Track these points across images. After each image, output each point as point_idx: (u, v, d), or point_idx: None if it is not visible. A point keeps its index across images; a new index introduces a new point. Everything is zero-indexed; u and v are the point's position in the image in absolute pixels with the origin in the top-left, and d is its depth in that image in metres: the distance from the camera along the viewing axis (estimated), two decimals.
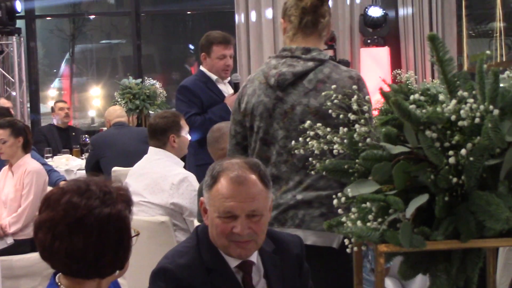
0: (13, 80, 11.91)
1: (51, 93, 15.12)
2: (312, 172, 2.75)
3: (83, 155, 9.81)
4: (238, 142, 4.05)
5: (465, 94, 1.84)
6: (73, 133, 10.92)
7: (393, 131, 1.91)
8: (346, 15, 12.12)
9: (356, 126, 2.12)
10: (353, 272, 2.66)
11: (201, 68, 6.52)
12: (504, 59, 12.81)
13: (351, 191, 1.91)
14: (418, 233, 1.80)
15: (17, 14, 11.85)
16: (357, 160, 1.97)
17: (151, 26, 14.44)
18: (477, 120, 1.80)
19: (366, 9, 11.77)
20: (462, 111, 1.80)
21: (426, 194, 1.82)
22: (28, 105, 12.67)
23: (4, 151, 6.69)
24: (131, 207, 2.68)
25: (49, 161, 9.02)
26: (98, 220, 2.55)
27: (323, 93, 3.26)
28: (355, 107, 2.59)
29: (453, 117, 1.82)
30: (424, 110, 1.85)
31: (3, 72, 11.92)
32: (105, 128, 9.84)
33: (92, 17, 15.38)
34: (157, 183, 5.57)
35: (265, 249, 3.15)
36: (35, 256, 5.51)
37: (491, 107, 1.81)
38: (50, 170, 7.16)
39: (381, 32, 11.77)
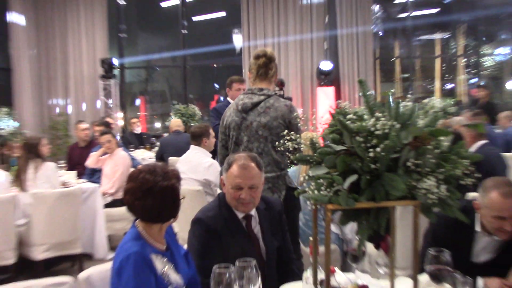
0: (111, 105, 11.89)
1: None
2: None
3: (152, 150, 9.79)
4: (223, 145, 4.16)
5: (379, 115, 1.81)
6: (145, 137, 10.91)
7: (336, 137, 1.87)
8: (308, 67, 12.04)
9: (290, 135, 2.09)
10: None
11: (227, 98, 6.53)
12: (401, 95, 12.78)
13: (311, 172, 1.88)
14: (350, 198, 1.76)
15: (114, 67, 11.76)
16: (315, 154, 1.93)
17: (192, 73, 14.37)
18: (386, 130, 1.78)
19: (320, 63, 11.74)
20: (377, 125, 1.78)
21: (355, 174, 1.78)
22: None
23: (110, 146, 6.74)
24: (180, 181, 2.68)
25: (132, 153, 9.01)
26: (160, 189, 2.55)
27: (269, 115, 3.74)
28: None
29: (372, 129, 1.78)
30: (355, 124, 1.82)
31: (106, 100, 11.85)
32: (166, 134, 9.71)
33: (157, 68, 15.25)
34: (195, 166, 5.56)
35: (260, 207, 3.15)
36: (123, 209, 5.53)
37: (394, 122, 1.79)
38: (132, 159, 7.12)
39: (330, 77, 11.68)
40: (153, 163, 2.76)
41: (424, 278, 2.43)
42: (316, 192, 1.81)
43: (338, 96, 11.84)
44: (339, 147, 1.83)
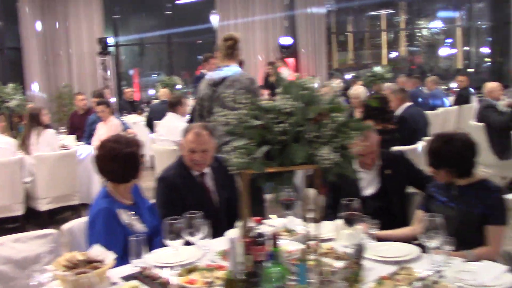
0: (108, 77, 11.73)
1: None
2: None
3: (142, 115, 9.69)
4: (199, 114, 4.10)
5: (287, 96, 1.81)
6: (136, 104, 10.81)
7: (254, 114, 1.88)
8: (272, 42, 11.93)
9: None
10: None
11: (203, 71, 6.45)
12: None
13: (235, 143, 1.89)
14: (263, 163, 1.78)
15: (108, 45, 11.58)
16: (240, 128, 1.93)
17: (180, 49, 14.18)
18: (292, 109, 1.79)
19: (281, 38, 11.67)
20: (284, 105, 1.79)
21: (268, 145, 1.80)
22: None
23: (103, 115, 6.62)
24: (141, 147, 2.68)
25: (125, 118, 8.95)
26: (123, 155, 2.56)
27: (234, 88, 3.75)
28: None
29: (280, 107, 1.80)
30: (267, 104, 1.83)
31: (104, 73, 11.68)
32: (157, 101, 9.55)
33: (147, 45, 14.99)
34: (172, 129, 5.53)
35: (213, 166, 3.14)
36: None
37: (299, 103, 1.80)
38: (123, 123, 7.07)
39: (290, 50, 11.63)
40: (118, 134, 2.76)
41: (339, 222, 2.51)
42: (238, 159, 1.82)
43: (297, 65, 11.78)
44: (256, 122, 1.84)
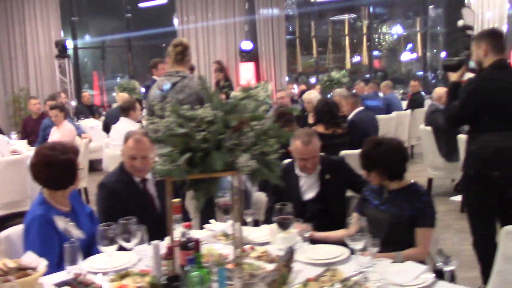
0: (66, 80, 11.56)
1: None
2: None
3: (99, 119, 9.60)
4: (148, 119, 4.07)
5: (207, 105, 1.86)
6: (94, 107, 10.74)
7: (179, 122, 1.92)
8: (232, 46, 11.98)
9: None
10: None
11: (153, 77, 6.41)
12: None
13: (159, 150, 1.92)
14: (185, 171, 1.82)
15: (66, 48, 11.45)
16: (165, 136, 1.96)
17: (142, 51, 14.09)
18: (212, 118, 1.83)
19: (241, 43, 11.71)
20: (206, 113, 1.84)
21: (190, 152, 1.84)
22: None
23: (56, 119, 6.56)
24: (78, 154, 2.69)
25: (82, 122, 8.86)
26: (58, 162, 2.57)
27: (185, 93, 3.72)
28: None
29: (202, 116, 1.84)
30: (189, 113, 1.87)
31: (62, 77, 11.53)
32: (116, 104, 9.45)
33: (107, 48, 14.85)
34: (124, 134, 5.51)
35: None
36: None
37: (218, 111, 1.85)
38: (77, 128, 7.01)
39: (250, 55, 11.71)
40: (55, 141, 2.76)
41: (274, 226, 2.58)
42: (161, 166, 1.86)
43: (257, 70, 11.87)
44: (180, 130, 1.88)
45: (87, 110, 10.20)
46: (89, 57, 16.06)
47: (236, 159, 1.79)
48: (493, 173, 3.28)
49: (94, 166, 7.80)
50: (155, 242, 2.03)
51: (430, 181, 6.32)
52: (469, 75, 3.76)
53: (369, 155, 2.77)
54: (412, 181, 2.82)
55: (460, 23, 7.91)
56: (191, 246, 2.01)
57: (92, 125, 8.86)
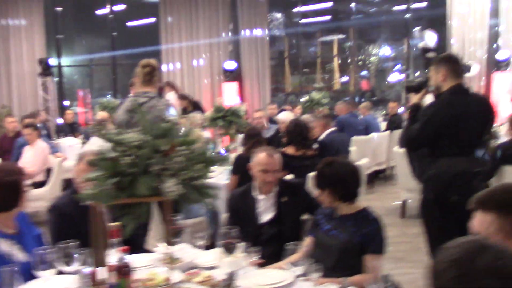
0: (49, 98, 11.55)
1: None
2: None
3: (79, 137, 9.57)
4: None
5: (136, 129, 1.85)
6: (75, 126, 10.71)
7: (110, 145, 1.91)
8: (216, 65, 12.02)
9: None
10: None
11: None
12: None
13: (89, 174, 1.91)
14: (112, 195, 1.81)
15: (50, 66, 11.48)
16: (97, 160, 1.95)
17: (130, 70, 14.08)
18: (140, 142, 1.82)
19: (224, 62, 11.77)
20: (134, 138, 1.82)
21: (119, 177, 1.82)
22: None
23: (29, 138, 6.52)
24: (24, 176, 2.66)
25: (61, 140, 8.83)
26: (3, 184, 2.53)
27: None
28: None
29: (129, 140, 1.83)
30: (118, 137, 1.86)
31: (45, 95, 11.55)
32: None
33: (93, 66, 14.87)
34: None
35: None
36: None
37: (147, 136, 1.84)
38: (52, 147, 6.97)
39: (233, 74, 11.74)
40: (3, 162, 2.73)
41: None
42: (88, 191, 1.85)
43: (241, 89, 11.91)
44: (110, 154, 1.87)
45: (69, 129, 10.17)
46: (79, 75, 16.10)
47: (162, 184, 1.78)
48: (452, 198, 3.28)
49: (70, 184, 7.73)
50: (84, 268, 1.99)
51: (404, 203, 6.31)
52: (429, 97, 3.79)
53: (322, 173, 2.76)
54: (363, 206, 2.80)
55: (421, 45, 8.00)
56: (126, 271, 1.99)
57: (71, 143, 8.80)
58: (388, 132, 8.42)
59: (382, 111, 12.26)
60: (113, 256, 2.27)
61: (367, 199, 7.18)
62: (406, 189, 6.23)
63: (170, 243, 1.99)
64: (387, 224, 6.97)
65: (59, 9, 12.79)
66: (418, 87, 3.67)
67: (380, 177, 8.83)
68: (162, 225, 1.91)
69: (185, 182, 1.82)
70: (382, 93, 18.59)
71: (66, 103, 14.67)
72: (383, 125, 9.28)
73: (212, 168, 5.50)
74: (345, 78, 18.13)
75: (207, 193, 1.91)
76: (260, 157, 3.23)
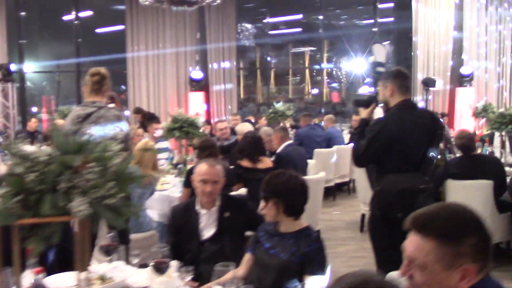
0: (9, 105, 11.28)
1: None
2: None
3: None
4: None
5: (45, 144, 1.76)
6: (37, 134, 10.45)
7: (16, 161, 1.80)
8: (182, 75, 11.92)
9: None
10: None
11: None
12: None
13: None
14: (15, 215, 1.70)
15: (11, 72, 11.20)
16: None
17: None
18: (47, 158, 1.73)
19: (191, 72, 11.69)
20: (40, 153, 1.73)
21: (23, 195, 1.72)
22: (19, 118, 12.09)
23: None
24: None
25: None
26: None
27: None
28: None
29: (35, 156, 1.73)
30: (23, 152, 1.76)
31: (4, 101, 11.26)
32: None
33: (56, 72, 14.59)
34: None
35: None
36: None
37: (55, 152, 1.75)
38: (5, 155, 6.73)
39: (200, 84, 11.66)
40: None
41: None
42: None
43: (207, 99, 11.84)
44: (16, 170, 1.76)
45: (30, 137, 9.89)
46: (48, 82, 15.77)
47: (69, 203, 1.68)
48: (397, 215, 3.24)
49: None
50: None
51: (363, 216, 6.30)
52: (379, 111, 3.77)
53: (270, 182, 2.67)
54: (306, 224, 2.73)
55: (371, 59, 8.05)
56: None
57: None
58: (351, 144, 8.42)
59: (347, 123, 12.33)
60: (29, 278, 2.16)
61: (328, 212, 7.29)
62: (366, 202, 6.21)
63: (87, 265, 1.88)
64: (346, 238, 7.00)
65: (22, 13, 12.53)
66: (367, 102, 3.65)
67: (343, 189, 8.82)
68: (81, 245, 1.80)
69: (96, 201, 1.71)
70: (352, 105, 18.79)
71: (34, 109, 14.41)
72: (347, 137, 9.29)
73: (166, 179, 5.44)
74: (315, 90, 18.23)
75: (125, 212, 1.80)
76: (201, 167, 3.16)
